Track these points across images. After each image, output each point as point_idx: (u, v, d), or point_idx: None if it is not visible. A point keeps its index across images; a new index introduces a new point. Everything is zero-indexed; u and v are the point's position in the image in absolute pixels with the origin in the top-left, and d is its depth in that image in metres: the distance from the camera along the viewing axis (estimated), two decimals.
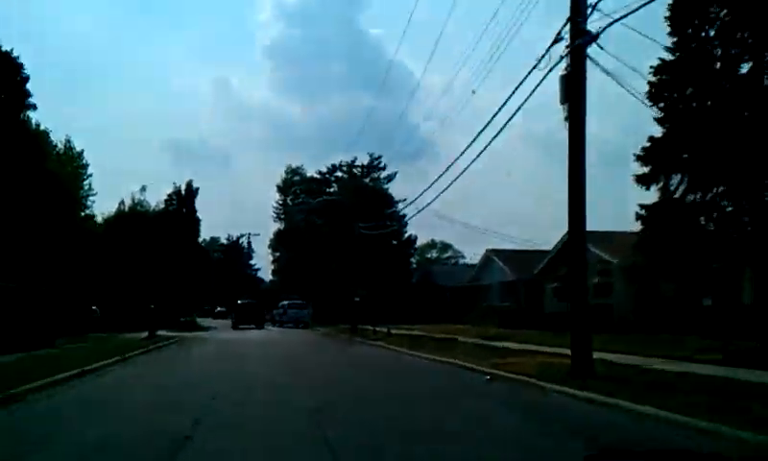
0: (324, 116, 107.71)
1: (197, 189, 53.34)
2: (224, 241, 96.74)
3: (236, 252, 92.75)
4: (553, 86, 11.68)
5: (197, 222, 52.93)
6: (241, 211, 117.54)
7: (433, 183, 24.32)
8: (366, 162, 61.82)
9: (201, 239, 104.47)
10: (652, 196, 19.78)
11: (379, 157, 59.77)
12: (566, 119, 11.72)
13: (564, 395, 10.13)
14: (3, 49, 28.97)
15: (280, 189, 76.24)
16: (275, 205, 76.52)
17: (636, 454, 3.09)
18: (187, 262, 49.40)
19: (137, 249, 47.39)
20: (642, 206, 20.02)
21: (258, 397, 10.84)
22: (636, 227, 20.73)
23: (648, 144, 19.28)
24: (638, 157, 19.53)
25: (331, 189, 68.32)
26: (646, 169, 19.42)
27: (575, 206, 11.95)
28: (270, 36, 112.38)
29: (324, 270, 55.43)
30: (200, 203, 53.10)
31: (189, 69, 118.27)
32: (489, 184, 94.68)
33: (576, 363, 11.50)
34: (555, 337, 19.58)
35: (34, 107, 31.58)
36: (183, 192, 52.67)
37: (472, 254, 66.25)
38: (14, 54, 29.42)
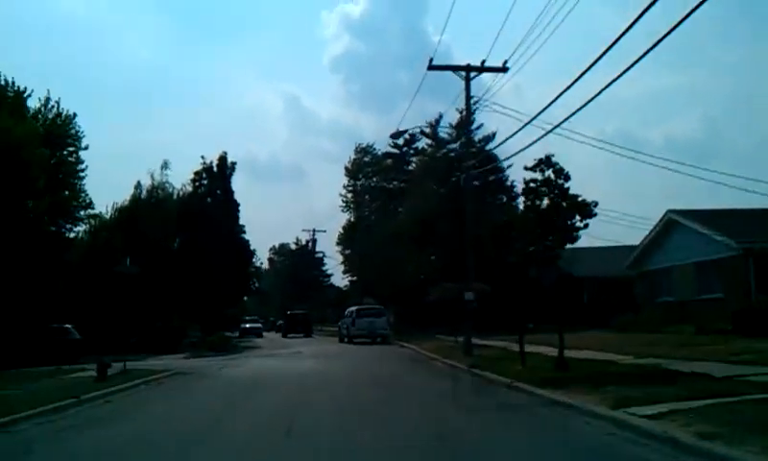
0: (393, 125, 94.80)
1: (233, 165, 40.09)
2: (293, 246, 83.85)
3: (305, 257, 78.87)
4: None
5: (234, 206, 39.48)
6: (312, 222, 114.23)
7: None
8: (455, 122, 46.21)
9: (270, 246, 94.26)
10: None
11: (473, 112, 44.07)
12: None
13: None
14: None
15: (349, 172, 62.26)
16: (342, 193, 62.64)
17: None
18: (222, 260, 36.04)
19: (149, 246, 34.49)
20: None
21: None
22: None
23: None
24: None
25: (410, 168, 53.81)
26: None
27: None
28: (335, 50, 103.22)
29: (406, 263, 40.82)
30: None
31: (252, 86, 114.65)
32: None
33: None
34: None
35: None
36: (215, 168, 39.40)
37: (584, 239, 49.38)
38: None
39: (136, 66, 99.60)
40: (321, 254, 76.09)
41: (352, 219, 60.17)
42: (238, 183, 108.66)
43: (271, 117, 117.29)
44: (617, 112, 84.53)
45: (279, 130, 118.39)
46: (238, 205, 39.78)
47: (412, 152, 53.95)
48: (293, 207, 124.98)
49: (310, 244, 74.78)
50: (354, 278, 59.81)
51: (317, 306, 72.45)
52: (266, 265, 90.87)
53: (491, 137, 42.91)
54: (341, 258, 63.10)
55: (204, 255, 35.84)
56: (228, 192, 39.40)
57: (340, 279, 70.34)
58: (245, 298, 59.43)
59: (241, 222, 40.62)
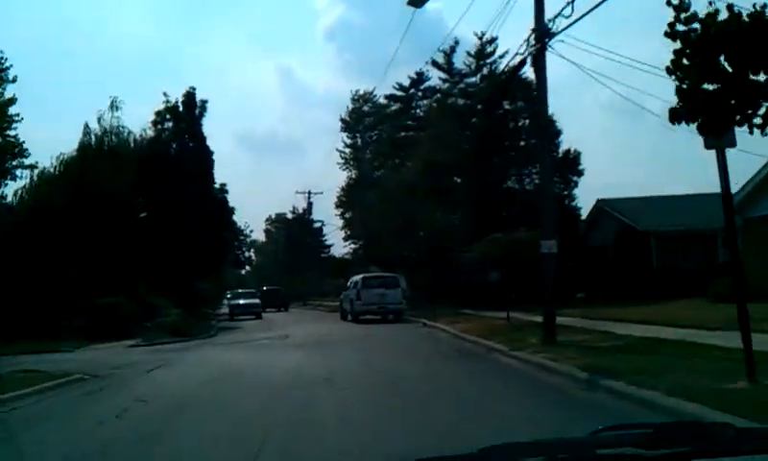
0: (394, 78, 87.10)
1: (204, 103, 32.11)
2: (289, 216, 75.53)
3: (302, 226, 70.67)
4: None
5: (207, 155, 31.73)
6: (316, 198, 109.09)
7: None
8: (473, 51, 38.05)
9: (266, 217, 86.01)
10: None
11: (494, 38, 35.98)
12: None
13: None
14: None
15: (347, 125, 54.22)
16: (340, 148, 54.65)
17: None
18: (193, 220, 28.44)
19: (104, 204, 26.85)
20: None
21: None
22: None
23: None
24: None
25: (419, 112, 45.93)
26: None
27: None
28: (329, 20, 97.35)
29: (420, 224, 33.29)
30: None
31: (247, 59, 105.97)
32: None
33: None
34: None
35: None
36: (181, 107, 31.53)
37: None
38: None
39: (122, 38, 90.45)
40: (319, 223, 68.26)
41: (353, 176, 52.32)
42: (234, 156, 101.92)
43: (265, 90, 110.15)
44: None
45: (274, 103, 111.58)
46: (212, 153, 31.95)
47: (420, 94, 45.96)
48: (290, 181, 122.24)
49: (307, 214, 66.69)
50: (357, 244, 52.21)
51: (316, 279, 65.17)
52: (263, 238, 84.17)
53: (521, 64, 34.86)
54: (341, 223, 55.23)
55: (170, 214, 28.31)
56: (199, 137, 31.54)
57: (341, 248, 62.46)
58: (242, 271, 57.76)
59: (223, 180, 33.03)
